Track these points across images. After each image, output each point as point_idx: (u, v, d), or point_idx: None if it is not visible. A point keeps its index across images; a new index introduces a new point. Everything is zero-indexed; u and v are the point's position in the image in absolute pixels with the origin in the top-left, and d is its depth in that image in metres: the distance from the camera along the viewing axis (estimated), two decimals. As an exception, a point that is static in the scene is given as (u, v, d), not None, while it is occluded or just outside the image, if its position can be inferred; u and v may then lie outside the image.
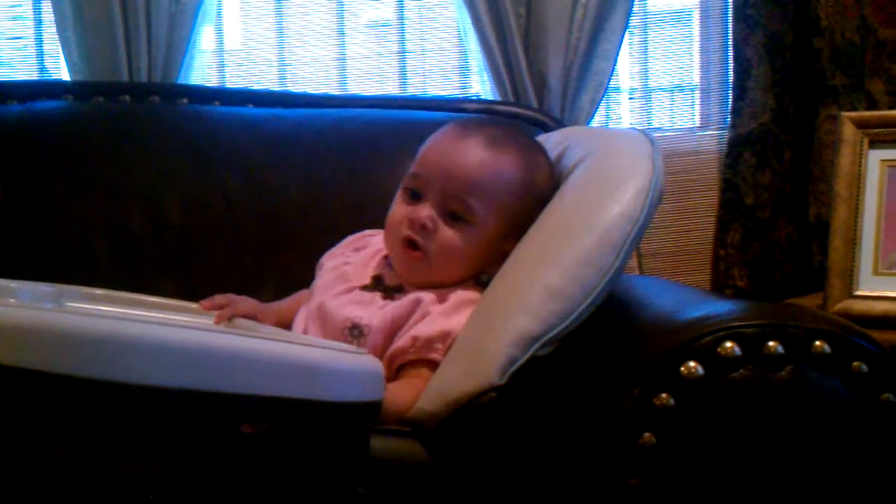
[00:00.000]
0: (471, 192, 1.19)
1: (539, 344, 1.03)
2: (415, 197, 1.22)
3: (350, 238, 1.36)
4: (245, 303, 1.28)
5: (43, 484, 0.79)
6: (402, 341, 1.14)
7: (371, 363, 0.90)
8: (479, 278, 1.23)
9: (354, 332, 1.16)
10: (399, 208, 1.23)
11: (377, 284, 1.23)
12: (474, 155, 1.21)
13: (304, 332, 1.21)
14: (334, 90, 1.97)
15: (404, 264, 1.22)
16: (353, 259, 1.30)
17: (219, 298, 1.26)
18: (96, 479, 0.79)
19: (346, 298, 1.21)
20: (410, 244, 1.20)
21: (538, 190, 1.22)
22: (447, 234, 1.19)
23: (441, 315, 1.15)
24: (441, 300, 1.17)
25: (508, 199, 1.20)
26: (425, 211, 1.20)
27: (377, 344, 1.15)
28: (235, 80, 1.95)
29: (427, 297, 1.17)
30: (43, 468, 0.78)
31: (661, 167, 1.15)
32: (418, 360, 1.13)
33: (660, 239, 1.96)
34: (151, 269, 1.54)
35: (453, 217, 1.20)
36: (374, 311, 1.18)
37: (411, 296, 1.18)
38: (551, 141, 1.35)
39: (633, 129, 1.25)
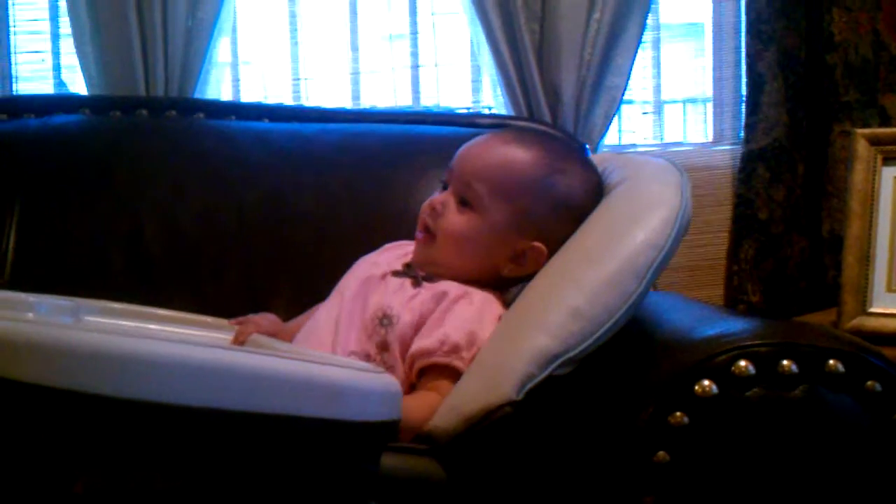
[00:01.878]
0: (478, 177, 1.22)
1: (557, 363, 1.04)
2: (444, 188, 1.27)
3: (387, 245, 1.38)
4: (265, 320, 1.29)
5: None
6: (429, 341, 1.15)
7: (389, 383, 0.90)
8: (504, 291, 1.23)
9: (384, 322, 1.18)
10: (430, 198, 1.28)
11: (407, 270, 1.25)
12: (494, 147, 1.25)
13: (327, 325, 1.23)
14: (348, 103, 1.99)
15: (417, 248, 1.26)
16: (387, 257, 1.32)
17: (241, 319, 1.29)
18: (115, 496, 0.79)
19: (377, 284, 1.24)
20: (423, 227, 1.25)
21: (559, 195, 1.22)
22: (454, 217, 1.23)
23: (469, 320, 1.16)
24: (467, 298, 1.19)
25: (517, 191, 1.22)
26: (441, 196, 1.25)
27: (406, 336, 1.17)
28: (250, 92, 1.97)
29: (453, 291, 1.19)
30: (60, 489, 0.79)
31: (689, 198, 1.17)
32: (443, 365, 1.13)
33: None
34: (166, 282, 1.55)
35: (463, 202, 1.23)
36: (405, 301, 1.19)
37: (439, 287, 1.20)
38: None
39: (664, 159, 1.26)
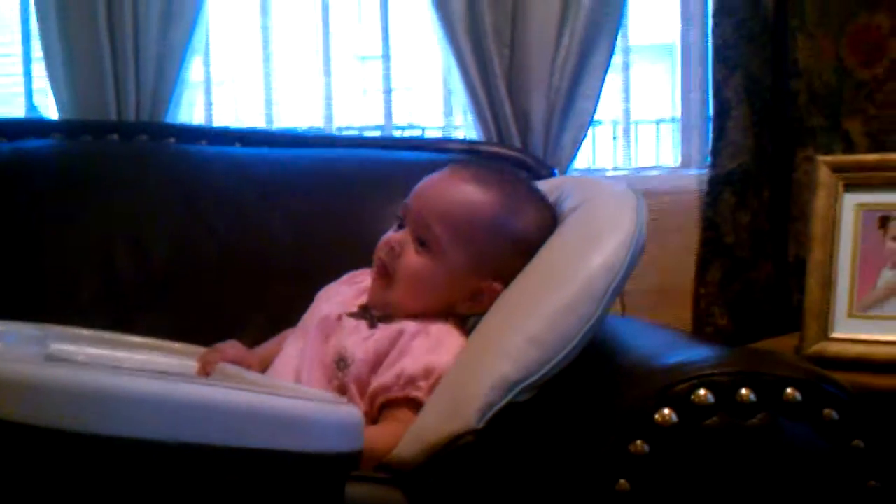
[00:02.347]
0: (438, 220, 1.22)
1: (518, 389, 1.04)
2: (401, 227, 1.26)
3: (347, 275, 1.39)
4: (232, 348, 1.30)
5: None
6: (386, 378, 1.15)
7: (351, 413, 0.91)
8: (463, 319, 1.24)
9: (341, 365, 1.19)
10: (386, 235, 1.28)
11: (364, 313, 1.26)
12: (452, 186, 1.25)
13: (293, 364, 1.24)
14: (320, 124, 2.00)
15: (372, 290, 1.27)
16: (345, 292, 1.33)
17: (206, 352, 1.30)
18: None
19: (334, 325, 1.24)
20: (380, 267, 1.25)
21: (517, 235, 1.23)
22: (411, 258, 1.23)
23: (425, 352, 1.17)
24: (424, 332, 1.19)
25: (477, 234, 1.22)
26: (399, 235, 1.25)
27: (362, 376, 1.17)
28: (223, 114, 1.98)
29: (409, 328, 1.19)
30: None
31: (644, 220, 1.18)
32: (401, 398, 1.14)
33: (641, 277, 1.94)
34: (138, 307, 1.56)
35: (421, 243, 1.23)
36: (359, 342, 1.20)
37: (394, 326, 1.20)
38: (542, 189, 1.37)
39: (619, 182, 1.28)
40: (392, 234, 1.26)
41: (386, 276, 1.25)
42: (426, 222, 1.23)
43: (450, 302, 1.24)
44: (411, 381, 1.14)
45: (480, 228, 1.23)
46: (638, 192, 1.22)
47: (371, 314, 1.25)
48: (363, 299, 1.29)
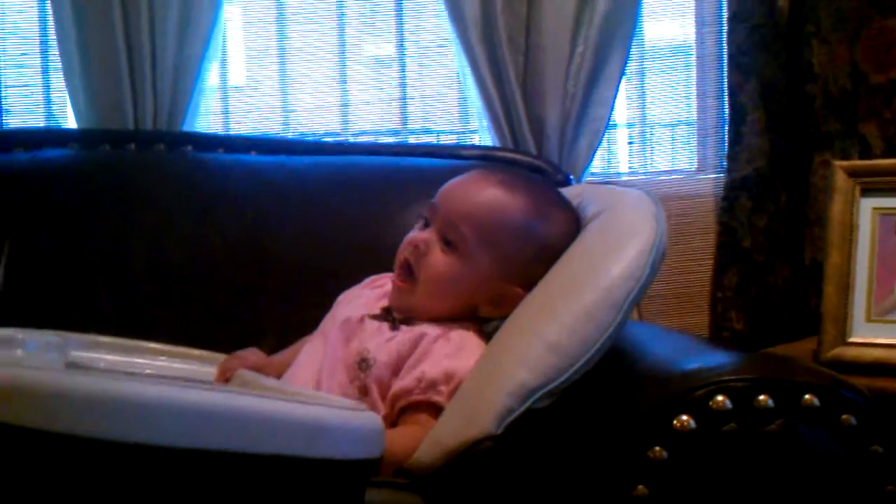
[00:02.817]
0: (465, 220, 1.21)
1: (536, 396, 1.04)
2: (426, 225, 1.26)
3: (368, 279, 1.39)
4: (252, 355, 1.30)
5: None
6: (406, 381, 1.15)
7: (371, 420, 0.91)
8: (483, 326, 1.24)
9: (363, 366, 1.19)
10: (409, 234, 1.27)
11: (386, 314, 1.26)
12: (481, 188, 1.24)
13: (313, 367, 1.24)
14: (336, 131, 2.01)
15: (394, 292, 1.26)
16: (367, 295, 1.33)
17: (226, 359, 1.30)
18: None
19: (356, 327, 1.24)
20: (404, 267, 1.24)
21: (543, 241, 1.23)
22: (437, 258, 1.22)
23: (445, 356, 1.17)
24: (445, 337, 1.19)
25: (504, 237, 1.22)
26: (424, 234, 1.24)
27: (383, 377, 1.17)
28: (239, 120, 1.98)
29: (431, 332, 1.19)
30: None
31: (664, 228, 1.17)
32: (422, 401, 1.14)
33: (659, 282, 1.95)
34: (154, 313, 1.56)
35: (447, 244, 1.22)
36: (381, 343, 1.20)
37: (416, 329, 1.20)
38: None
39: (639, 190, 1.27)
40: (417, 234, 1.25)
41: (409, 275, 1.24)
42: (453, 222, 1.22)
43: (472, 305, 1.23)
44: (432, 385, 1.14)
45: (508, 231, 1.22)
46: (657, 200, 1.22)
47: (393, 316, 1.25)
48: (384, 302, 1.28)
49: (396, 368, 1.18)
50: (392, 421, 1.16)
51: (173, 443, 0.78)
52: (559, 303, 1.11)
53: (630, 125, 2.12)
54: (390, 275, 1.32)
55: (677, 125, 2.15)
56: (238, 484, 0.82)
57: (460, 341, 1.19)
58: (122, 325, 1.47)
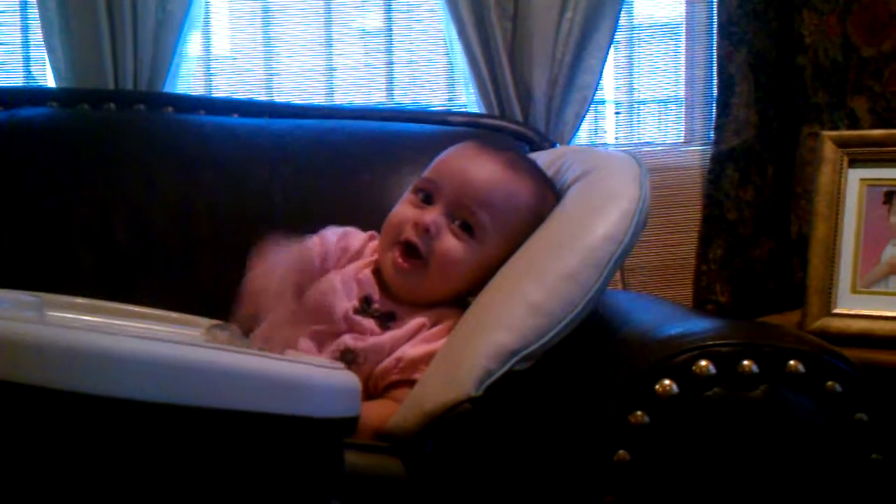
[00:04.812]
0: (483, 205, 1.19)
1: (517, 359, 1.03)
2: (426, 201, 1.22)
3: (336, 234, 1.32)
4: None
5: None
6: (386, 362, 1.14)
7: (347, 378, 0.90)
8: (466, 301, 1.21)
9: (347, 357, 1.15)
10: (404, 210, 1.22)
11: (367, 307, 1.21)
12: (492, 171, 1.21)
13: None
14: (321, 99, 1.98)
15: (396, 271, 1.20)
16: (344, 271, 1.26)
17: None
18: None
19: (340, 323, 1.18)
20: (409, 249, 1.19)
21: (540, 221, 1.21)
22: (450, 242, 1.19)
23: (427, 340, 1.16)
24: (434, 325, 1.18)
25: (516, 222, 1.20)
26: (433, 215, 1.19)
27: (369, 371, 1.15)
28: (222, 87, 1.96)
29: (426, 324, 1.17)
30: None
31: (648, 190, 1.17)
32: (402, 380, 1.13)
33: (643, 253, 1.97)
34: (135, 277, 1.54)
35: (462, 227, 1.19)
36: (372, 345, 1.16)
37: (407, 327, 1.18)
38: (543, 160, 1.36)
39: (623, 151, 1.26)
40: (424, 215, 1.19)
41: (417, 258, 1.19)
42: (468, 206, 1.19)
43: (471, 289, 1.20)
44: (412, 364, 1.13)
45: (520, 218, 1.20)
46: (641, 161, 1.21)
47: (376, 310, 1.20)
48: (359, 282, 1.23)
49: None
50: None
51: (148, 397, 0.76)
52: (542, 264, 1.11)
53: (618, 103, 2.10)
54: (354, 232, 1.30)
55: (665, 99, 2.13)
56: (214, 441, 0.81)
57: (447, 327, 1.17)
58: (102, 288, 1.45)
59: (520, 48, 1.85)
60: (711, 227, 1.96)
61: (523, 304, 1.06)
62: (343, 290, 1.21)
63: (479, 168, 1.21)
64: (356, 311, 1.20)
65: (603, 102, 2.08)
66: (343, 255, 1.29)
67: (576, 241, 1.10)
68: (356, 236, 1.31)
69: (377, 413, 1.05)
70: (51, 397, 0.75)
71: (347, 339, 1.17)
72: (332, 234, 1.31)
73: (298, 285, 1.23)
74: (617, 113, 2.11)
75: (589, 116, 1.97)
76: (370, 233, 1.33)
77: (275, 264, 1.23)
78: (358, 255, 1.30)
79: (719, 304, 1.94)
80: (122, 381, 0.76)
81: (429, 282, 1.19)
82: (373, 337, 1.17)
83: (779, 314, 1.75)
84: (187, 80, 1.86)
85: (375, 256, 1.28)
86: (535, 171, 1.28)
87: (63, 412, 0.75)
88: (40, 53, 1.83)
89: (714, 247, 1.96)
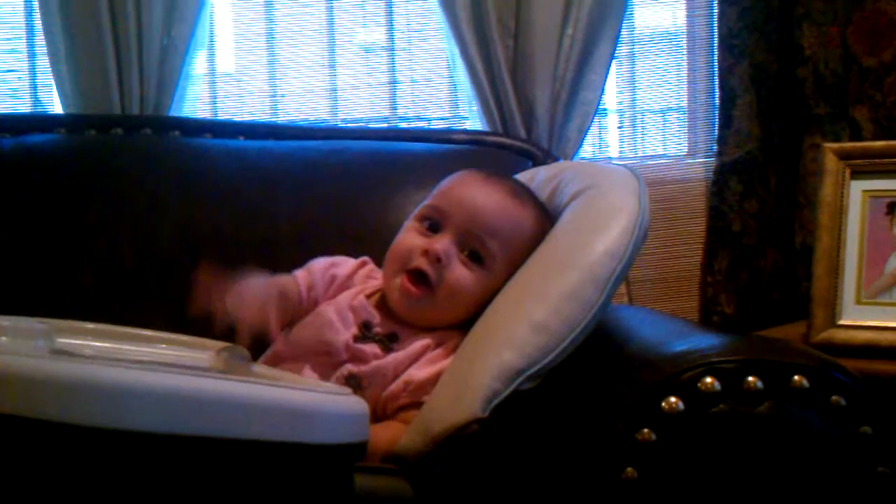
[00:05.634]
0: (493, 235, 1.20)
1: (522, 378, 1.04)
2: (432, 229, 1.22)
3: (323, 264, 1.32)
4: None
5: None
6: (394, 386, 1.15)
7: (355, 403, 0.90)
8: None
9: (351, 382, 1.15)
10: (411, 237, 1.23)
11: (367, 332, 1.21)
12: (498, 200, 1.22)
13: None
14: (325, 117, 1.99)
15: (405, 299, 1.20)
16: (341, 306, 1.25)
17: None
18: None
19: (340, 352, 1.19)
20: (418, 277, 1.20)
21: (537, 246, 1.22)
22: (461, 271, 1.20)
23: (433, 361, 1.16)
24: (438, 347, 1.18)
25: (521, 250, 1.21)
26: (443, 243, 1.20)
27: (374, 396, 1.15)
28: (227, 107, 1.97)
29: (430, 346, 1.18)
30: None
31: (647, 205, 1.17)
32: (410, 403, 1.13)
33: (648, 266, 1.98)
34: (141, 300, 1.55)
35: (470, 257, 1.20)
36: (375, 368, 1.17)
37: (410, 349, 1.18)
38: (542, 176, 1.36)
39: (621, 166, 1.26)
40: (434, 243, 1.20)
41: (426, 286, 1.20)
42: (478, 235, 1.20)
43: (475, 314, 1.19)
44: (420, 387, 1.13)
45: (525, 247, 1.21)
46: (640, 175, 1.21)
47: (376, 333, 1.21)
48: (354, 308, 1.23)
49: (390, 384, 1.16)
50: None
51: (156, 429, 0.77)
52: (543, 283, 1.11)
53: (620, 112, 2.11)
54: (337, 262, 1.30)
55: (668, 111, 2.14)
56: (224, 470, 0.81)
57: (453, 347, 1.18)
58: (109, 312, 1.45)
59: (522, 66, 1.86)
60: (716, 239, 1.97)
61: (527, 323, 1.07)
62: (339, 320, 1.22)
63: (486, 197, 1.22)
64: (356, 339, 1.20)
65: (606, 115, 2.08)
66: (331, 284, 1.29)
67: (576, 259, 1.11)
68: (344, 265, 1.32)
69: (385, 436, 1.06)
70: (59, 431, 0.75)
71: (350, 366, 1.18)
72: (318, 264, 1.32)
73: (284, 316, 1.22)
74: (620, 126, 2.12)
75: (592, 130, 1.97)
76: (361, 259, 1.34)
77: (252, 291, 1.21)
78: (347, 281, 1.30)
79: (725, 315, 1.94)
80: (133, 414, 0.76)
81: (436, 309, 1.20)
82: (375, 360, 1.18)
83: (784, 325, 1.76)
84: (193, 100, 1.87)
85: (368, 283, 1.29)
86: (534, 198, 1.29)
87: (75, 446, 0.76)
88: (48, 80, 1.85)
89: (719, 258, 1.96)
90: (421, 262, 1.20)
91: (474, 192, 1.23)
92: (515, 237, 1.21)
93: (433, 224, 1.23)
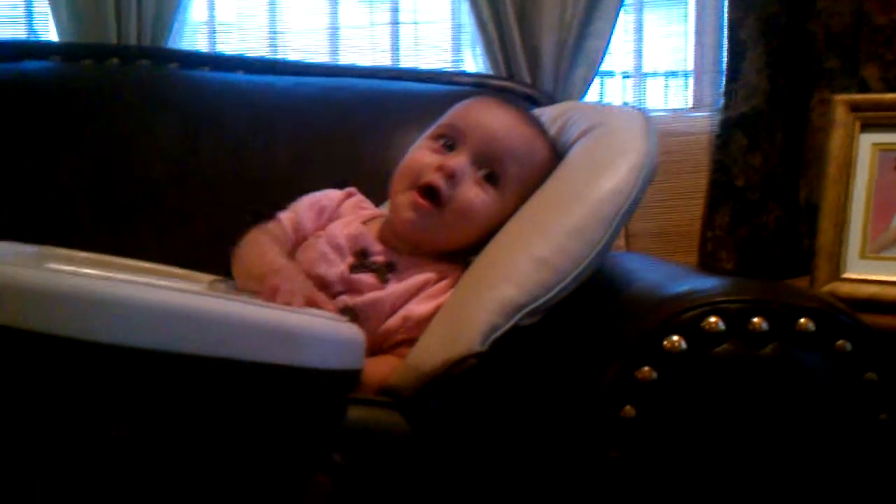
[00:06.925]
0: (510, 156, 1.18)
1: (522, 313, 1.02)
2: (447, 148, 1.20)
3: (307, 199, 1.30)
4: None
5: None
6: (392, 321, 1.13)
7: (351, 331, 0.89)
8: (467, 259, 1.19)
9: (347, 313, 1.12)
10: (424, 155, 1.20)
11: (364, 260, 1.20)
12: (516, 125, 1.21)
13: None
14: (326, 60, 1.96)
15: (413, 211, 1.17)
16: (327, 231, 1.24)
17: None
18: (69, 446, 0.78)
19: (337, 283, 1.16)
20: (428, 193, 1.17)
21: (546, 179, 1.20)
22: (473, 191, 1.17)
23: (433, 296, 1.14)
24: (439, 280, 1.16)
25: (534, 176, 1.19)
26: (458, 161, 1.17)
27: (371, 327, 1.12)
28: (226, 49, 1.94)
29: (426, 279, 1.16)
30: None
31: (656, 145, 1.15)
32: (408, 339, 1.11)
33: (648, 219, 1.95)
34: (134, 231, 1.54)
35: (485, 177, 1.18)
36: (372, 299, 1.14)
37: (408, 281, 1.16)
38: (548, 115, 1.34)
39: (630, 105, 1.24)
40: (450, 160, 1.17)
41: (437, 201, 1.17)
42: (497, 156, 1.18)
43: (479, 243, 1.17)
44: (419, 323, 1.11)
45: (536, 174, 1.19)
46: (648, 115, 1.19)
47: (374, 262, 1.18)
48: (350, 236, 1.21)
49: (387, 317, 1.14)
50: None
51: (150, 345, 0.75)
52: (548, 218, 1.09)
53: (625, 74, 2.08)
54: (332, 194, 1.28)
55: (675, 64, 2.11)
56: (215, 390, 0.80)
57: (450, 283, 1.16)
58: (103, 242, 1.43)
59: (529, 10, 1.83)
60: (718, 194, 1.94)
61: (529, 259, 1.05)
62: (332, 251, 1.19)
63: (505, 120, 1.21)
64: (353, 269, 1.18)
65: (612, 74, 2.06)
66: (318, 218, 1.27)
67: (582, 196, 1.09)
68: (329, 196, 1.30)
69: (380, 368, 1.04)
70: (51, 343, 0.74)
71: (345, 298, 1.15)
72: (303, 202, 1.29)
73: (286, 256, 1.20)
74: (625, 77, 2.09)
75: (597, 81, 1.95)
76: (347, 190, 1.32)
77: (253, 246, 1.21)
78: (335, 213, 1.28)
79: (725, 270, 1.92)
80: (124, 329, 0.75)
81: (443, 228, 1.18)
82: (372, 292, 1.15)
83: (786, 280, 1.74)
84: (191, 40, 1.84)
85: (358, 213, 1.27)
86: (546, 131, 1.27)
87: (64, 359, 0.74)
88: (44, 8, 1.81)
89: (721, 213, 1.94)
90: (434, 178, 1.17)
91: (492, 115, 1.21)
92: (530, 163, 1.19)
93: (448, 143, 1.20)
